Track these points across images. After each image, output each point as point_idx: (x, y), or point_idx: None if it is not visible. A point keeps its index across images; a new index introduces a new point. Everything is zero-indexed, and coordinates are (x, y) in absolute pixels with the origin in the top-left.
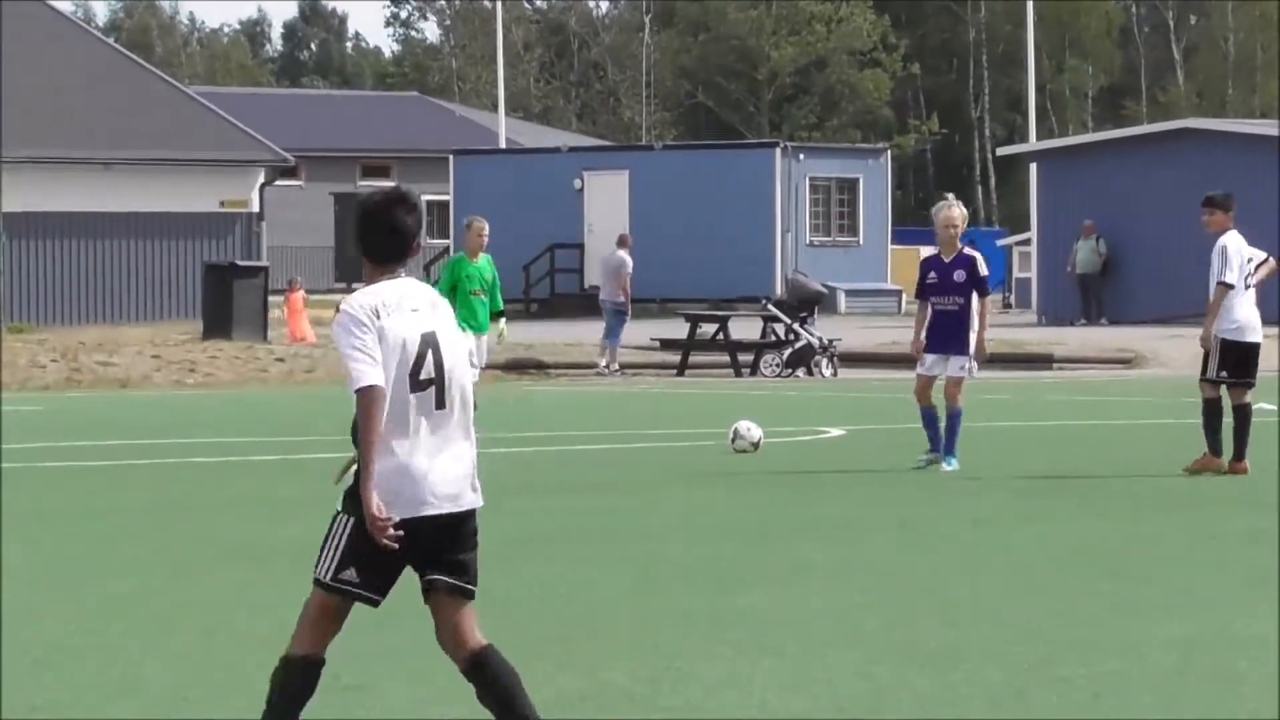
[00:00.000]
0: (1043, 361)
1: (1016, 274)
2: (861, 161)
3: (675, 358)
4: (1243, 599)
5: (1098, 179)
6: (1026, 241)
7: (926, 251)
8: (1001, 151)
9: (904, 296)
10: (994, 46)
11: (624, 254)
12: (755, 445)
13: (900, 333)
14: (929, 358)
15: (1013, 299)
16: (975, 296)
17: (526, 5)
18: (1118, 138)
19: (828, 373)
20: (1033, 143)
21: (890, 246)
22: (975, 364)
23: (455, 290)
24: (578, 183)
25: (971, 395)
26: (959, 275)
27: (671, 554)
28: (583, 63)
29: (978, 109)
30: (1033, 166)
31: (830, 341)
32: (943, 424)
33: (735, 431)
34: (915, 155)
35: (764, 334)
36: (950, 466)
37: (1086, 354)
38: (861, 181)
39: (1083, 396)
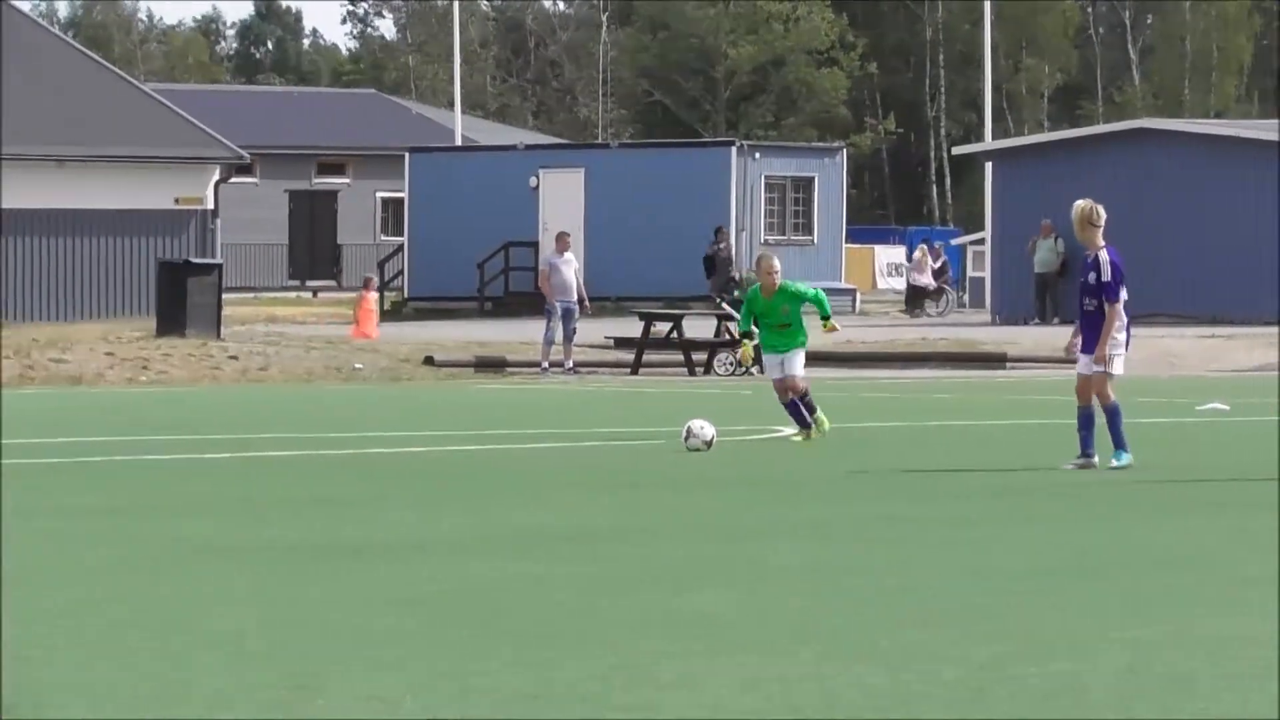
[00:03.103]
0: (996, 361)
1: (971, 273)
2: (818, 160)
3: (629, 356)
4: (1199, 600)
5: (1053, 179)
6: (981, 241)
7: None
8: (957, 151)
9: (858, 295)
10: (951, 46)
11: (547, 254)
12: (708, 444)
13: (855, 332)
14: (1082, 357)
15: (966, 299)
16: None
17: (484, 3)
18: (1073, 137)
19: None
20: (988, 142)
21: (845, 246)
22: (1105, 365)
23: (758, 322)
24: (533, 180)
25: (925, 395)
26: (1092, 277)
27: (624, 553)
28: (540, 60)
29: (934, 108)
30: (988, 166)
31: None
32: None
33: (688, 430)
34: (871, 154)
35: (718, 333)
36: (1120, 462)
37: (1040, 354)
38: (817, 180)
39: (1036, 396)
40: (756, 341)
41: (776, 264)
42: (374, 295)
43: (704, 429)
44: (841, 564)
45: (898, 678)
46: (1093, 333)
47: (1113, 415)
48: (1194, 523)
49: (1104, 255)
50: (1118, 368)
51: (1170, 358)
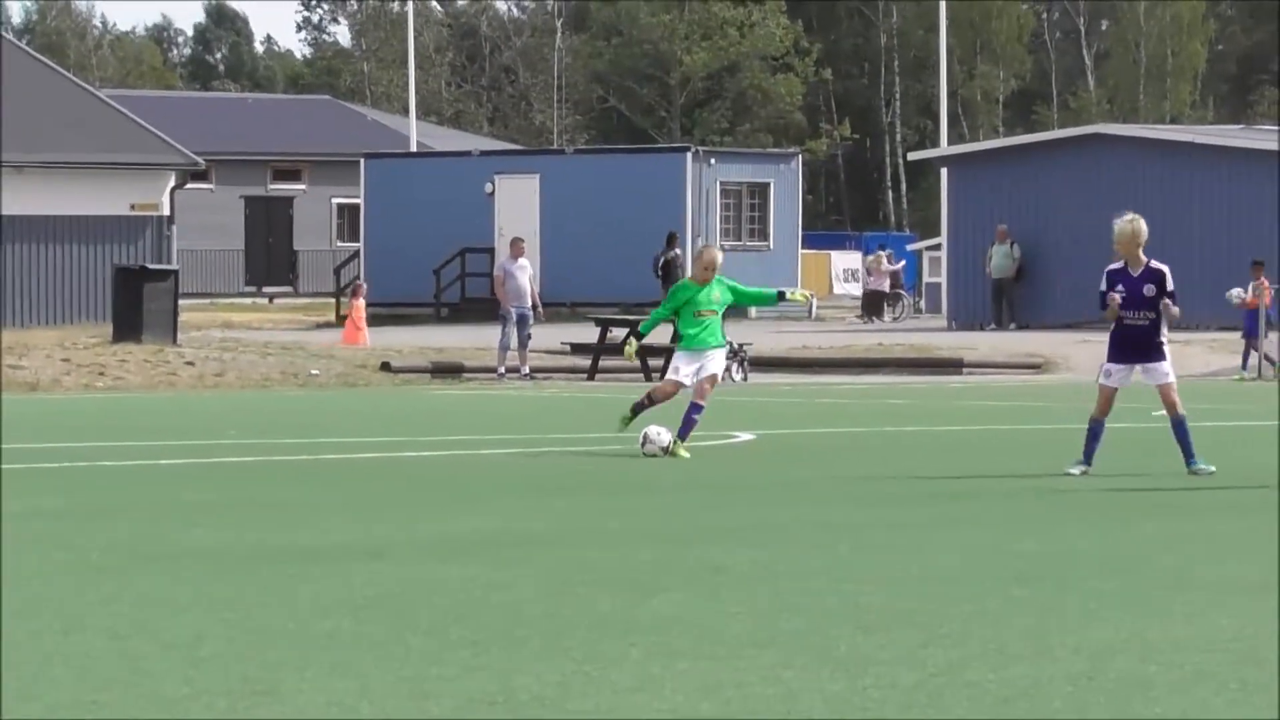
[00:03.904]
0: (953, 366)
1: (927, 279)
2: (773, 166)
3: (585, 362)
4: (1156, 604)
5: (1008, 184)
6: (937, 246)
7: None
8: (912, 156)
9: (814, 301)
10: (906, 52)
11: (501, 260)
12: (665, 450)
13: (811, 337)
14: (1114, 370)
15: (923, 304)
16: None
17: (436, 6)
18: (1028, 143)
19: (738, 377)
20: (943, 147)
21: (801, 252)
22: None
23: (679, 315)
24: (489, 186)
25: (881, 401)
26: (1148, 290)
27: (583, 558)
28: (494, 66)
29: (889, 114)
30: (943, 171)
31: (740, 346)
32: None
33: (645, 436)
34: (827, 160)
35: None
36: (1210, 468)
37: (996, 359)
38: (773, 186)
39: (992, 401)
40: (640, 346)
41: (719, 258)
42: (362, 302)
43: (661, 435)
44: (799, 568)
45: (856, 683)
46: (1133, 348)
47: (1185, 426)
48: (1149, 527)
49: (1161, 266)
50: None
51: None
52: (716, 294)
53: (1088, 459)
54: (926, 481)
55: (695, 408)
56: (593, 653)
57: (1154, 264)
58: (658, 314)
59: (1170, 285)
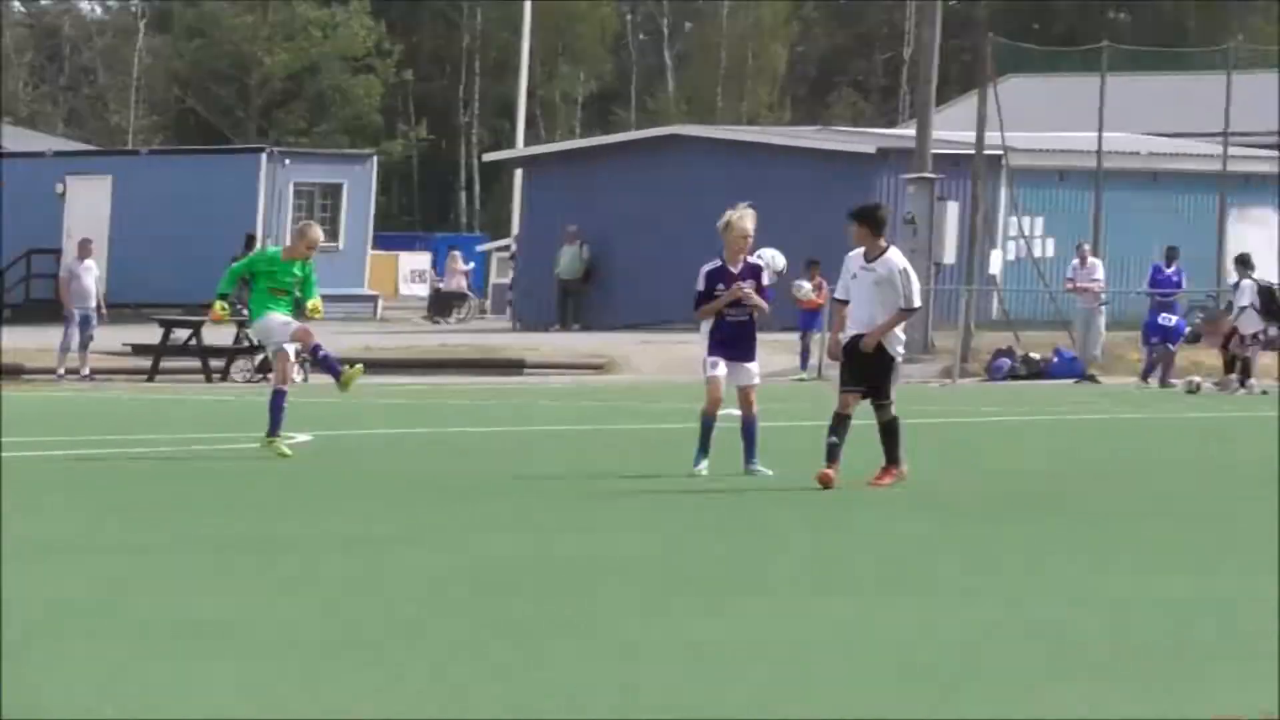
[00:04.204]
0: (514, 367)
1: (494, 280)
2: (347, 167)
3: (147, 363)
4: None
5: (582, 185)
6: (506, 248)
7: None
8: (487, 158)
9: (380, 302)
10: (488, 53)
11: (68, 261)
12: (779, 273)
13: (375, 338)
14: (721, 362)
15: (489, 305)
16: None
17: (18, 6)
18: (602, 144)
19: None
20: (519, 149)
21: (370, 252)
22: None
23: (253, 285)
24: (59, 187)
25: (441, 401)
26: (749, 285)
27: (130, 561)
28: (74, 67)
29: (467, 114)
30: (518, 173)
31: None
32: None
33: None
34: (402, 161)
35: (237, 340)
36: (768, 472)
37: (558, 359)
38: (346, 187)
39: (549, 401)
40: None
41: (319, 236)
42: None
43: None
44: (340, 574)
45: (398, 685)
46: (733, 343)
47: (756, 426)
48: (902, 527)
49: (758, 261)
50: None
51: (691, 362)
52: (298, 276)
53: (704, 450)
54: (474, 480)
55: (283, 394)
56: (136, 654)
57: (751, 259)
58: (235, 269)
59: (766, 280)
